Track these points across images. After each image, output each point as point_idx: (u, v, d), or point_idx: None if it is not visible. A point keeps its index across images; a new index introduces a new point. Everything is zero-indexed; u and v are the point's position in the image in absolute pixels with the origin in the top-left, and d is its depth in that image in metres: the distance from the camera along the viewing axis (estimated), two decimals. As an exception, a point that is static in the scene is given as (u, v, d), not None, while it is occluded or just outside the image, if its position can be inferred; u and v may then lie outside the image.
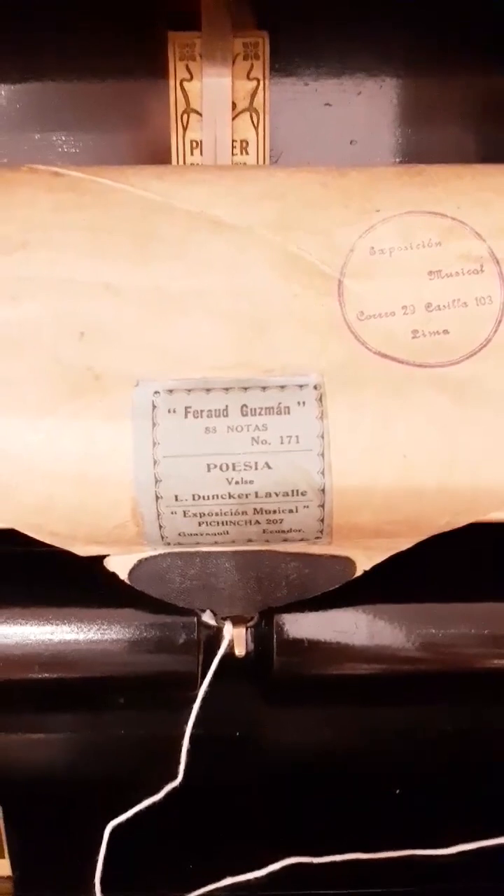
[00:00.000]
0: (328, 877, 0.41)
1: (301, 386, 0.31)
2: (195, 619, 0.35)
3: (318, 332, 0.32)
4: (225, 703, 0.35)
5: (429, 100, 0.45)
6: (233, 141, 0.44)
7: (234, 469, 0.30)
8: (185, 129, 0.43)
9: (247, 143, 0.44)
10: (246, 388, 0.30)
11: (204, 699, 0.35)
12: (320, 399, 0.31)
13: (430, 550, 0.33)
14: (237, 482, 0.30)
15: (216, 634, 0.35)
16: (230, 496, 0.30)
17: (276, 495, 0.31)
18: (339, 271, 0.32)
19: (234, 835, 0.41)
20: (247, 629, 0.35)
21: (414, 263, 0.32)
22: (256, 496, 0.31)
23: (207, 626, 0.35)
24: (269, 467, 0.30)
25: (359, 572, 0.33)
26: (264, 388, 0.31)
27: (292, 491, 0.31)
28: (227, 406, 0.30)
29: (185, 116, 0.43)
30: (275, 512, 0.31)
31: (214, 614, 0.35)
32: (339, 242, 0.33)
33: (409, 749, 0.41)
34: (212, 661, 0.35)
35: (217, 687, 0.35)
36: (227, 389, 0.30)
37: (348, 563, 0.33)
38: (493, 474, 0.31)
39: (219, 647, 0.35)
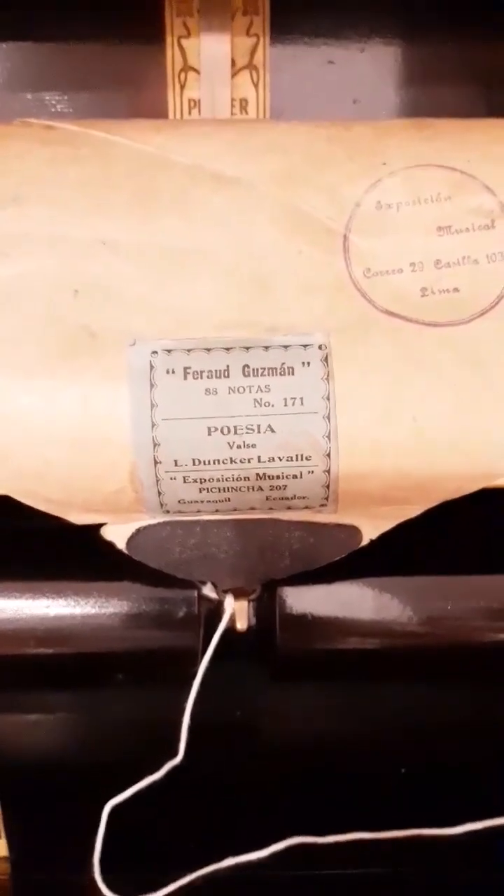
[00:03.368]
0: (332, 856, 0.40)
1: (305, 346, 0.29)
2: (195, 592, 0.34)
3: (323, 290, 0.30)
4: (226, 680, 0.34)
5: (435, 58, 0.43)
6: (232, 100, 0.42)
7: (235, 432, 0.29)
8: (182, 87, 0.42)
9: (246, 102, 0.42)
10: (248, 348, 0.29)
11: (204, 675, 0.34)
12: (326, 359, 0.29)
13: (438, 519, 0.32)
14: (239, 446, 0.29)
15: (217, 608, 0.34)
16: (231, 461, 0.29)
17: (280, 460, 0.29)
18: (345, 227, 0.31)
19: (237, 814, 0.41)
20: (249, 602, 0.34)
21: (422, 219, 0.31)
22: (259, 461, 0.29)
23: (208, 600, 0.34)
24: (273, 430, 0.29)
25: (365, 541, 0.32)
26: (267, 348, 0.29)
27: (296, 455, 0.29)
28: (228, 366, 0.29)
29: (182, 74, 0.42)
30: (278, 477, 0.30)
31: (215, 587, 0.34)
32: (345, 197, 0.31)
33: (416, 727, 0.40)
34: (212, 635, 0.34)
35: (218, 663, 0.34)
36: (228, 349, 0.29)
37: (354, 531, 0.32)
38: None
39: (220, 622, 0.34)
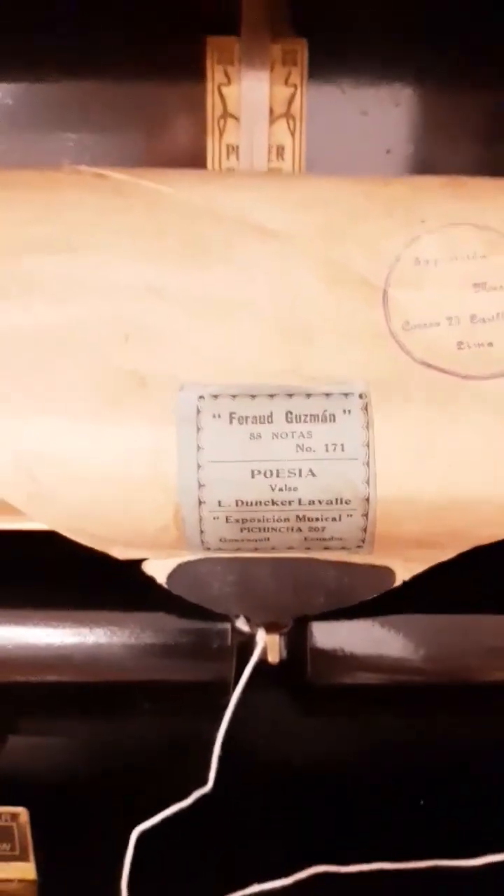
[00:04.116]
0: (355, 886, 0.40)
1: (346, 394, 0.31)
2: (229, 625, 0.35)
3: (362, 341, 0.32)
4: (256, 711, 0.35)
5: (468, 113, 0.45)
6: (269, 146, 0.43)
7: (278, 475, 0.30)
8: (221, 133, 0.43)
9: (283, 149, 0.44)
10: (291, 395, 0.30)
11: (236, 706, 0.35)
12: (366, 408, 0.30)
13: (469, 561, 0.33)
14: (281, 489, 0.30)
15: (249, 641, 0.35)
16: (273, 503, 0.30)
17: (320, 503, 0.30)
18: (385, 281, 0.32)
19: (261, 842, 0.41)
20: (281, 636, 0.35)
21: (459, 275, 0.32)
22: (300, 503, 0.30)
23: (241, 633, 0.35)
24: (314, 475, 0.30)
25: (398, 582, 0.33)
26: (309, 396, 0.30)
27: (336, 499, 0.30)
28: (271, 412, 0.30)
29: (221, 121, 0.43)
30: (318, 520, 0.31)
31: (248, 620, 0.35)
32: (384, 252, 0.33)
33: (441, 761, 0.41)
34: (244, 667, 0.35)
35: (249, 694, 0.35)
36: (272, 396, 0.30)
37: (388, 572, 0.33)
38: None
39: (252, 654, 0.35)
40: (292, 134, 0.44)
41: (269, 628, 0.35)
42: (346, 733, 0.40)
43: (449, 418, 0.31)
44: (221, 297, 0.32)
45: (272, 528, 0.31)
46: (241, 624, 0.35)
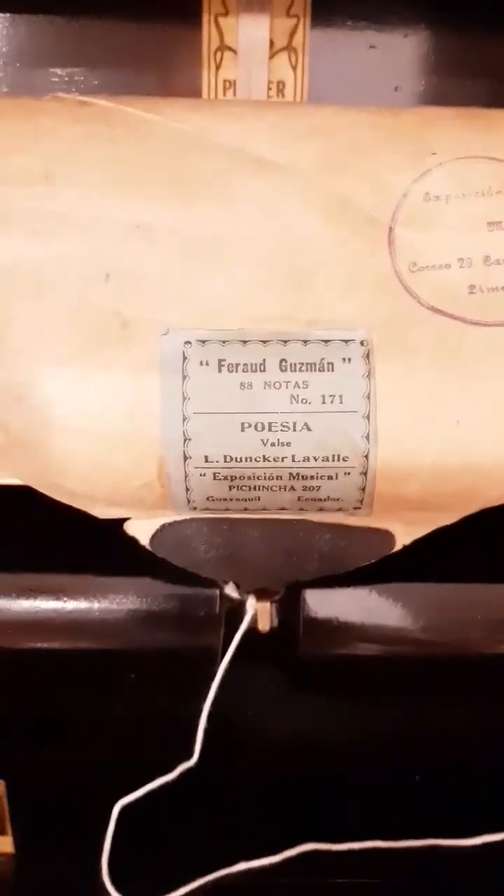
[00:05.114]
0: (346, 864, 0.39)
1: (346, 341, 0.28)
2: (217, 591, 0.32)
3: (365, 284, 0.29)
4: (246, 682, 0.33)
5: (481, 47, 0.42)
6: (269, 82, 0.41)
7: (270, 429, 0.28)
8: (217, 67, 0.40)
9: (283, 85, 0.41)
10: (286, 342, 0.28)
11: (224, 677, 0.33)
12: (367, 356, 0.28)
13: (473, 525, 0.31)
14: (273, 444, 0.28)
15: (239, 608, 0.33)
16: (265, 459, 0.28)
17: (315, 460, 0.28)
18: (391, 218, 0.30)
19: (250, 818, 0.40)
20: (272, 604, 0.33)
21: (472, 212, 0.30)
22: (293, 460, 0.28)
23: (230, 600, 0.33)
24: (309, 429, 0.28)
25: (398, 547, 0.31)
26: (306, 342, 0.28)
27: (333, 456, 0.28)
28: (264, 360, 0.28)
29: (218, 54, 0.40)
30: (312, 478, 0.28)
31: (238, 586, 0.32)
32: (391, 187, 0.30)
33: (434, 736, 0.39)
34: (233, 636, 0.33)
35: (238, 664, 0.33)
36: (265, 342, 0.28)
37: (387, 536, 0.31)
38: None
39: (241, 622, 0.33)
40: (294, 69, 0.41)
41: (260, 595, 0.33)
42: (339, 707, 0.38)
43: (458, 369, 0.28)
44: (212, 235, 0.29)
45: (263, 487, 0.29)
46: (231, 590, 0.33)
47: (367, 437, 0.28)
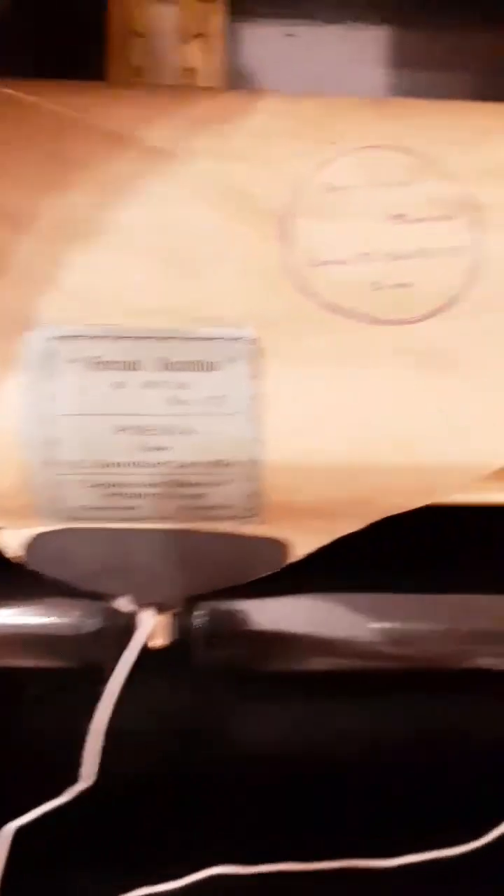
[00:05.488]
0: (257, 890, 0.37)
1: (234, 339, 0.26)
2: (104, 604, 0.30)
3: (257, 278, 0.27)
4: (142, 699, 0.31)
5: (400, 36, 0.40)
6: (180, 69, 0.39)
7: (147, 433, 0.26)
8: (125, 52, 0.39)
9: (195, 73, 0.39)
10: (165, 339, 0.26)
11: (123, 692, 0.31)
12: (255, 355, 0.26)
13: (374, 533, 0.29)
14: (150, 448, 0.26)
15: (131, 623, 0.31)
16: (142, 464, 0.26)
17: (198, 465, 0.26)
18: (289, 209, 0.28)
19: (152, 841, 0.38)
20: (171, 617, 0.31)
21: (375, 205, 0.28)
22: (174, 465, 0.26)
23: (121, 614, 0.31)
24: (190, 432, 0.26)
25: (296, 557, 0.29)
26: (187, 340, 0.26)
27: (216, 461, 0.26)
28: (141, 358, 0.26)
29: (125, 39, 0.39)
30: (196, 485, 0.27)
31: (130, 600, 0.30)
32: (290, 176, 0.28)
33: (346, 749, 0.37)
34: (126, 652, 0.31)
35: (134, 680, 0.31)
36: (141, 338, 0.26)
37: (283, 546, 0.29)
38: (457, 451, 0.27)
39: (134, 638, 0.31)
40: (206, 55, 0.39)
41: (154, 608, 0.31)
42: (242, 721, 0.37)
43: (356, 370, 0.27)
44: (87, 223, 0.27)
45: (142, 495, 0.27)
46: (123, 603, 0.31)
47: (254, 442, 0.26)
